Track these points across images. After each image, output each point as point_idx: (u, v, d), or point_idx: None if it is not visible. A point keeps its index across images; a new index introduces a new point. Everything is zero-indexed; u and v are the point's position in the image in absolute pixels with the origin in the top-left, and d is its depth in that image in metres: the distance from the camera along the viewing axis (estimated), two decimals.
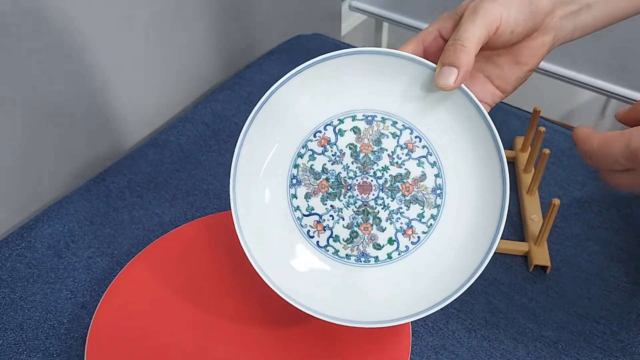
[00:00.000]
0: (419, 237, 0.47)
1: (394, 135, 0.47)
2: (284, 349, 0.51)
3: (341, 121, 0.48)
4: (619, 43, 0.89)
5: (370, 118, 0.48)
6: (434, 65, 0.45)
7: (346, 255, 0.48)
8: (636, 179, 0.40)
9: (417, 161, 0.47)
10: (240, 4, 0.86)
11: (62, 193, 0.70)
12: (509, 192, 0.45)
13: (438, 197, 0.47)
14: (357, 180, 0.48)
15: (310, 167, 0.48)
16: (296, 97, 0.47)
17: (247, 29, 0.90)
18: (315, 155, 0.48)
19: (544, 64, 0.96)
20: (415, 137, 0.47)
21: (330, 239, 0.48)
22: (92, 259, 0.60)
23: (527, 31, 0.45)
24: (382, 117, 0.47)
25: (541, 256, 0.58)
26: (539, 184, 0.64)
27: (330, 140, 0.48)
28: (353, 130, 0.48)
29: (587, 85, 0.95)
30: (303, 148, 0.48)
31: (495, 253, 0.52)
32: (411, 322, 0.52)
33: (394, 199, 0.47)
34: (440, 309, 0.44)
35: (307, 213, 0.48)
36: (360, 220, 0.48)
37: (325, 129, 0.48)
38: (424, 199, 0.47)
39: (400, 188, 0.47)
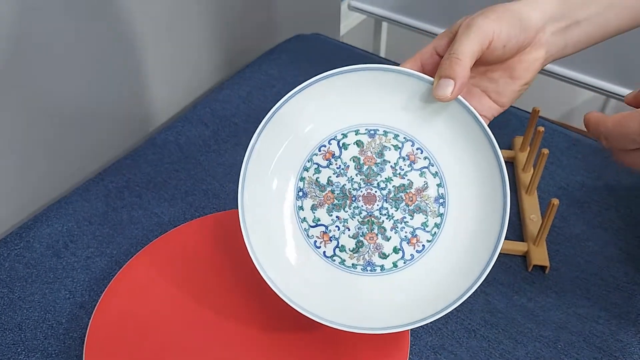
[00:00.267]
0: (423, 245, 0.48)
1: (396, 147, 0.49)
2: (282, 349, 0.51)
3: (345, 135, 0.50)
4: (618, 43, 0.88)
5: (372, 132, 0.49)
6: (431, 79, 0.47)
7: (352, 264, 0.49)
8: None
9: (419, 172, 0.49)
10: (239, 3, 0.86)
11: (60, 193, 0.70)
12: (509, 198, 0.46)
13: (441, 206, 0.48)
14: (361, 191, 0.49)
15: (316, 179, 0.50)
16: (301, 113, 0.49)
17: (246, 28, 0.90)
18: (320, 169, 0.50)
19: None
20: (417, 148, 0.49)
21: (337, 249, 0.49)
22: (91, 259, 0.60)
23: (519, 46, 0.47)
24: (384, 131, 0.49)
25: (540, 256, 0.58)
26: (537, 184, 0.64)
27: (334, 154, 0.49)
28: (356, 144, 0.49)
29: (587, 84, 0.95)
30: (308, 162, 0.50)
31: None
32: None
33: (397, 208, 0.49)
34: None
35: (313, 224, 0.49)
36: (366, 230, 0.49)
37: (329, 143, 0.50)
38: (427, 208, 0.48)
39: (404, 198, 0.49)
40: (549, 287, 0.57)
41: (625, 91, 0.93)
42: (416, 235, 0.48)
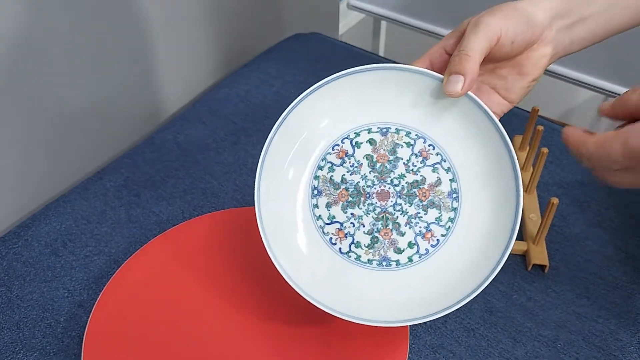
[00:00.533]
0: (438, 239, 0.49)
1: (408, 144, 0.50)
2: (283, 346, 0.51)
3: (357, 134, 0.50)
4: (618, 42, 0.88)
5: (384, 130, 0.50)
6: (441, 76, 0.47)
7: (368, 260, 0.49)
8: (636, 177, 0.41)
9: (431, 168, 0.49)
10: (238, 2, 0.85)
11: (59, 192, 0.70)
12: (522, 189, 0.46)
13: (454, 201, 0.49)
14: (375, 188, 0.50)
15: (330, 178, 0.50)
16: (314, 113, 0.49)
17: (245, 27, 0.89)
18: (334, 167, 0.50)
19: None
20: (429, 145, 0.50)
21: (352, 245, 0.50)
22: (89, 257, 0.60)
23: (527, 43, 0.47)
24: (396, 129, 0.50)
25: (540, 255, 0.58)
26: (537, 183, 0.64)
27: (347, 153, 0.50)
28: (369, 142, 0.50)
29: (586, 84, 0.95)
30: (322, 161, 0.50)
31: None
32: None
33: (411, 204, 0.49)
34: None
35: (328, 222, 0.50)
36: (380, 226, 0.49)
37: (342, 142, 0.50)
38: (441, 203, 0.49)
39: (417, 194, 0.49)
40: (548, 286, 0.57)
41: (624, 91, 0.92)
42: (430, 230, 0.49)
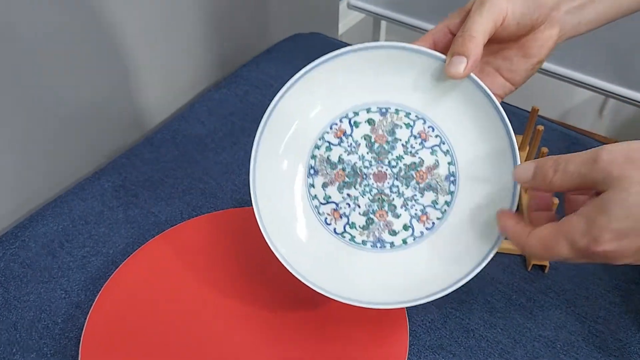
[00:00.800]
0: (433, 222, 0.49)
1: (408, 125, 0.49)
2: (282, 346, 0.50)
3: (356, 114, 0.49)
4: (618, 42, 0.88)
5: (384, 110, 0.49)
6: (443, 56, 0.46)
7: (362, 241, 0.49)
8: (597, 260, 0.39)
9: (430, 150, 0.49)
10: (237, 2, 0.85)
11: (56, 192, 0.69)
12: None
13: (452, 184, 0.49)
14: (372, 169, 0.49)
15: (327, 157, 0.50)
16: (312, 91, 0.48)
17: (244, 27, 0.89)
18: (331, 147, 0.50)
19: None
20: (429, 126, 0.49)
21: (347, 226, 0.49)
22: (87, 258, 0.59)
23: (533, 23, 0.46)
24: (395, 109, 0.49)
25: None
26: None
27: (346, 132, 0.49)
28: (368, 122, 0.49)
29: (585, 84, 0.95)
30: (320, 140, 0.50)
31: None
32: (409, 321, 0.52)
33: (408, 186, 0.49)
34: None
35: (324, 202, 0.49)
36: (376, 207, 0.49)
37: (341, 121, 0.50)
38: (438, 186, 0.49)
39: (415, 176, 0.49)
40: (548, 287, 0.57)
41: (623, 91, 0.92)
42: (426, 213, 0.49)
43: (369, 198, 0.49)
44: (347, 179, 0.49)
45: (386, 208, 0.49)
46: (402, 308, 0.52)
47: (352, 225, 0.49)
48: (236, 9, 0.86)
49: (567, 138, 0.72)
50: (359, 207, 0.49)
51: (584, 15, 0.48)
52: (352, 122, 0.49)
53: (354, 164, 0.49)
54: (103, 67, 0.69)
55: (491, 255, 0.45)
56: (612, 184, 0.36)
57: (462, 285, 0.45)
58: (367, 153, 0.49)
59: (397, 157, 0.49)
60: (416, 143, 0.49)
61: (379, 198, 0.49)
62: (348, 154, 0.49)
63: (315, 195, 0.50)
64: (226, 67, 0.88)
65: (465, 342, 0.53)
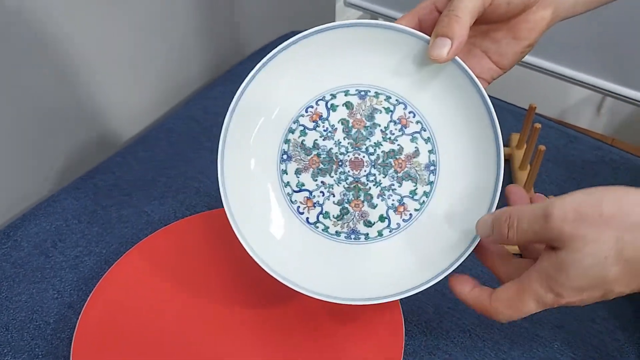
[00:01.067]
0: (410, 214, 0.47)
1: (388, 110, 0.47)
2: (275, 347, 0.50)
3: (334, 96, 0.47)
4: (615, 40, 0.88)
5: (363, 93, 0.47)
6: (427, 37, 0.44)
7: (336, 232, 0.47)
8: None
9: (410, 137, 0.47)
10: (232, 0, 0.85)
11: (49, 191, 0.69)
12: (503, 169, 0.44)
13: (431, 174, 0.47)
14: (348, 156, 0.47)
15: (302, 142, 0.47)
16: (285, 72, 0.46)
17: (239, 25, 0.89)
18: (306, 131, 0.47)
19: (540, 61, 0.96)
20: (409, 112, 0.47)
21: (320, 216, 0.47)
22: (80, 258, 0.59)
23: (525, 4, 0.44)
24: (375, 92, 0.47)
25: None
26: (534, 181, 0.64)
27: (322, 116, 0.47)
28: (346, 105, 0.47)
29: (583, 82, 0.95)
30: (294, 123, 0.47)
31: None
32: (405, 321, 0.51)
33: (386, 175, 0.47)
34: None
35: (297, 189, 0.48)
36: (352, 196, 0.47)
37: (317, 104, 0.47)
38: (417, 176, 0.47)
39: (393, 164, 0.47)
40: None
41: (622, 90, 0.92)
42: (404, 204, 0.47)
43: (344, 186, 0.47)
44: (322, 166, 0.47)
45: (362, 198, 0.47)
46: (398, 308, 0.51)
47: (326, 215, 0.47)
48: (232, 7, 0.85)
49: (564, 136, 0.72)
50: (334, 195, 0.47)
51: None
52: (328, 105, 0.47)
53: (330, 149, 0.47)
54: (96, 65, 0.68)
55: (468, 253, 0.44)
56: (566, 244, 0.36)
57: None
58: (344, 139, 0.47)
59: (375, 143, 0.47)
60: (396, 129, 0.46)
61: (354, 187, 0.47)
62: (324, 139, 0.47)
63: (288, 182, 0.47)
64: (221, 65, 0.88)
65: (461, 342, 0.52)
